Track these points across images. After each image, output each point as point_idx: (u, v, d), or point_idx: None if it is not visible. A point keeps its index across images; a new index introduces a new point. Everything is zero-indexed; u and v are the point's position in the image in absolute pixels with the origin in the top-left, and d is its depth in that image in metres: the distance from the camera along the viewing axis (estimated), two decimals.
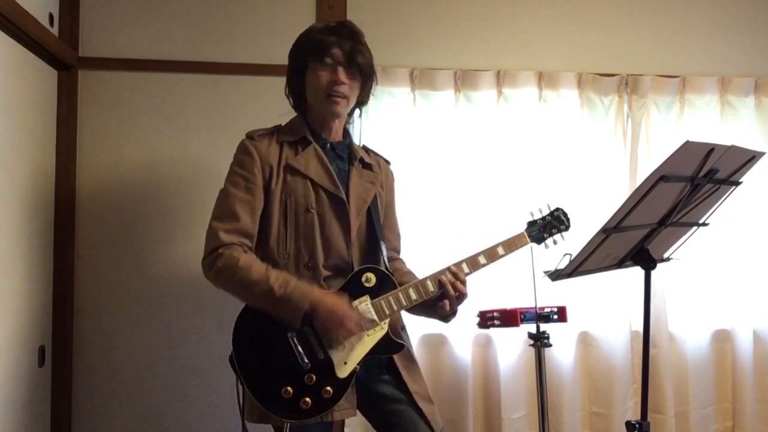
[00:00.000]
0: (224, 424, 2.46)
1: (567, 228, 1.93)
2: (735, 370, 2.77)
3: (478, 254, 1.79)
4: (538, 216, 1.92)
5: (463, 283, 1.73)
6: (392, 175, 1.97)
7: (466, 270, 1.76)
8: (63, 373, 2.38)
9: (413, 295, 1.71)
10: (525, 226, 1.90)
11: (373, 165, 1.86)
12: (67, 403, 2.39)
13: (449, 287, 1.71)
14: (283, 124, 1.81)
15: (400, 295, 1.71)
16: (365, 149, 1.91)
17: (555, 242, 1.93)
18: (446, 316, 1.77)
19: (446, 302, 1.72)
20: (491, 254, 1.80)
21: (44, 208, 2.32)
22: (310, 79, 1.73)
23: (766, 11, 2.87)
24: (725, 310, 2.76)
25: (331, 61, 1.70)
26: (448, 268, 1.74)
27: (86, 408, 2.42)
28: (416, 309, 1.78)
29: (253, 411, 1.65)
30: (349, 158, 1.82)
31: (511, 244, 1.83)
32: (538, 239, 1.90)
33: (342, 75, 1.70)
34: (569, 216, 1.94)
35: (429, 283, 1.73)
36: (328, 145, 1.79)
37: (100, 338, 2.43)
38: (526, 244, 1.86)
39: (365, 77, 1.77)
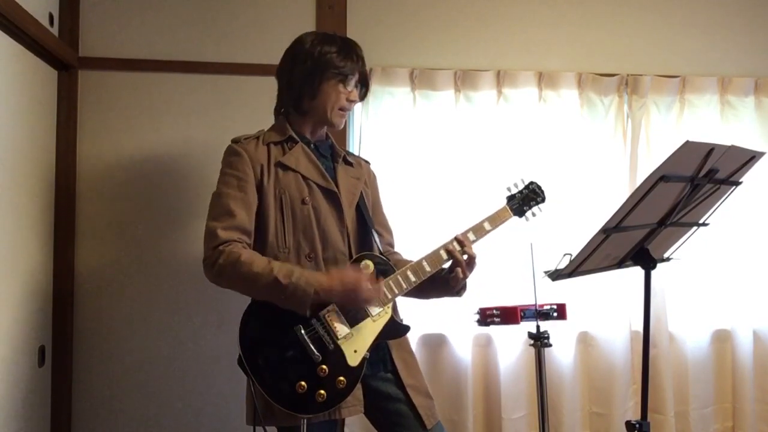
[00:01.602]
0: (224, 423, 2.46)
1: (543, 200, 2.00)
2: (735, 370, 2.77)
3: (467, 231, 1.86)
4: (515, 190, 1.99)
5: (470, 247, 1.81)
6: (374, 174, 2.04)
7: (457, 247, 1.82)
8: (63, 373, 2.38)
9: (412, 278, 1.77)
10: (505, 201, 1.96)
11: (354, 164, 1.94)
12: (67, 403, 2.39)
13: (458, 254, 1.78)
14: (265, 130, 1.86)
15: (400, 279, 1.76)
16: (345, 151, 1.98)
17: (534, 214, 1.99)
18: (459, 289, 1.83)
19: (458, 271, 1.78)
20: (478, 230, 1.87)
21: (44, 208, 2.32)
22: (329, 94, 1.80)
23: (766, 11, 2.87)
24: (725, 310, 2.75)
25: (353, 83, 1.84)
26: (444, 248, 1.81)
27: (86, 408, 2.42)
28: (428, 290, 1.84)
29: (260, 413, 1.65)
30: (333, 157, 1.90)
31: (496, 219, 1.91)
32: (519, 212, 1.97)
33: (356, 96, 1.86)
34: (543, 188, 2.01)
35: (425, 263, 1.79)
36: (312, 145, 1.86)
37: (100, 338, 2.43)
38: (509, 217, 1.94)
39: (366, 92, 1.93)
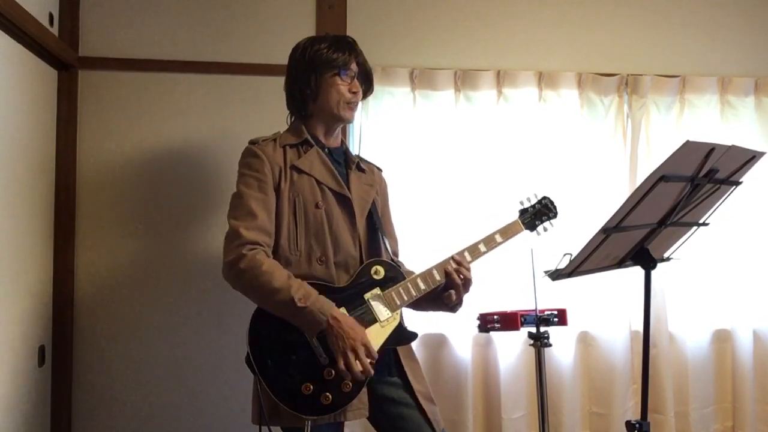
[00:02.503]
0: (224, 423, 2.46)
1: (555, 215, 2.01)
2: (735, 370, 2.77)
3: (478, 242, 1.87)
4: (527, 204, 2.00)
5: (468, 269, 1.81)
6: (385, 181, 2.05)
7: (468, 258, 1.83)
8: (63, 373, 2.38)
9: (422, 285, 1.78)
10: (517, 215, 1.97)
11: (367, 170, 1.94)
12: (67, 403, 2.39)
13: (455, 275, 1.78)
14: (281, 132, 1.86)
15: (409, 286, 1.77)
16: (359, 157, 1.98)
17: (545, 229, 2.00)
18: (453, 306, 1.84)
19: (452, 292, 1.79)
20: (489, 241, 1.88)
21: (44, 208, 2.32)
22: (329, 90, 1.81)
23: (766, 11, 2.87)
24: (725, 310, 2.75)
25: (351, 74, 1.83)
26: (452, 257, 1.81)
27: (86, 408, 2.42)
28: (424, 304, 1.84)
29: (266, 412, 1.65)
30: (346, 163, 1.90)
31: (507, 232, 1.91)
32: (531, 226, 1.97)
33: (358, 86, 1.85)
34: (556, 204, 2.02)
35: (435, 272, 1.79)
36: (326, 150, 1.86)
37: (100, 338, 2.43)
38: (520, 231, 1.95)
39: (369, 87, 1.92)
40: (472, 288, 1.84)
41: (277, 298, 1.61)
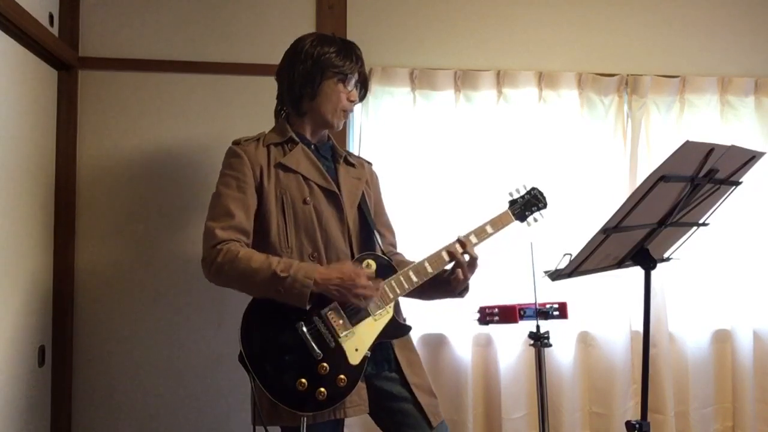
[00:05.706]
0: (224, 423, 2.46)
1: (545, 206, 2.01)
2: (735, 370, 2.77)
3: (469, 234, 1.87)
4: (517, 195, 2.00)
5: (471, 248, 1.82)
6: (375, 174, 2.05)
7: (459, 250, 1.83)
8: (63, 373, 2.38)
9: (414, 278, 1.78)
10: (507, 206, 1.97)
11: (356, 164, 1.94)
12: (67, 403, 2.39)
13: (459, 255, 1.80)
14: (266, 132, 1.86)
15: (401, 279, 1.77)
16: (346, 151, 1.98)
17: (536, 220, 2.00)
18: (461, 291, 1.85)
19: (459, 272, 1.80)
20: (480, 232, 1.89)
21: (44, 208, 2.32)
22: (330, 95, 1.82)
23: (766, 11, 2.87)
24: (725, 310, 2.75)
25: (353, 83, 1.85)
26: (457, 239, 1.83)
27: (86, 408, 2.42)
28: (430, 291, 1.85)
29: (264, 413, 1.65)
30: (333, 157, 1.91)
31: (498, 222, 1.93)
32: (521, 217, 1.98)
33: (356, 97, 1.87)
34: (545, 194, 2.02)
35: (427, 264, 1.80)
36: (312, 146, 1.87)
37: (100, 338, 2.43)
38: (511, 221, 1.95)
39: (364, 94, 1.95)
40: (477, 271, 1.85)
41: (260, 277, 1.61)
